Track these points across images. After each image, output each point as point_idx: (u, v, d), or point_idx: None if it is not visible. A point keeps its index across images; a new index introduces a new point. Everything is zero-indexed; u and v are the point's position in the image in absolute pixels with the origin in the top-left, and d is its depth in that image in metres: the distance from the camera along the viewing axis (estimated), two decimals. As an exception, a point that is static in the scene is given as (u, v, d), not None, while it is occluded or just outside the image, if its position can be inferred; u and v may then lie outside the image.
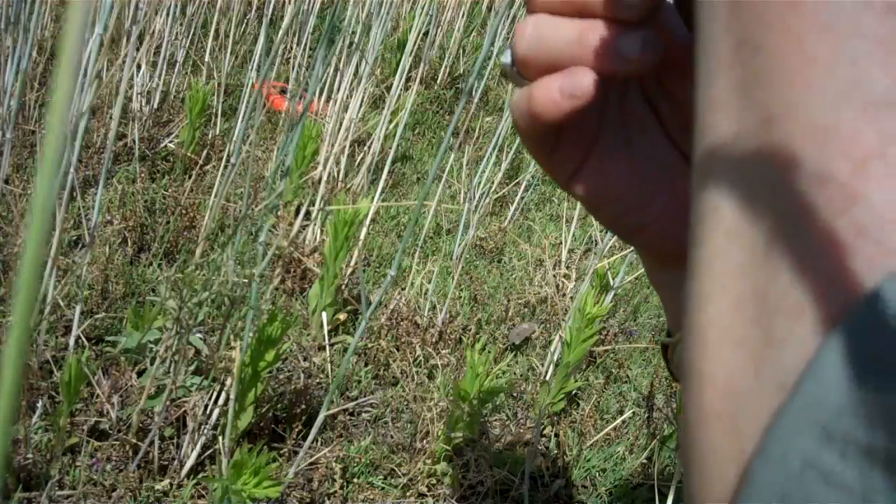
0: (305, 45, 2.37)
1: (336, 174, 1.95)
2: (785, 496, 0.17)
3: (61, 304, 1.27)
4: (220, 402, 1.12)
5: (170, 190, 1.77)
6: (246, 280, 1.00)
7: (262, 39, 1.97)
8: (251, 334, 1.06)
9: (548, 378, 1.50)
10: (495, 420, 1.43)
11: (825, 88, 0.18)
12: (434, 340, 1.55)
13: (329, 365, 1.43)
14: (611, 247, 1.94)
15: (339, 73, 2.08)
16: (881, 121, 0.18)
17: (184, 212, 1.67)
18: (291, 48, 2.52)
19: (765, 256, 0.19)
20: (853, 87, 0.18)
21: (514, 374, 1.58)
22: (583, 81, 0.28)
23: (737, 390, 0.19)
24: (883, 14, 0.18)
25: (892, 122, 0.18)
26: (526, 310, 1.77)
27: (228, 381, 1.08)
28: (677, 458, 1.35)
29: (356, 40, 2.01)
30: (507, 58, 0.31)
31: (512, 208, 2.20)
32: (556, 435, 1.44)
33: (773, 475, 0.17)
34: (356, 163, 2.11)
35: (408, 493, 1.24)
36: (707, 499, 0.20)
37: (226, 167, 1.84)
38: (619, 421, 1.50)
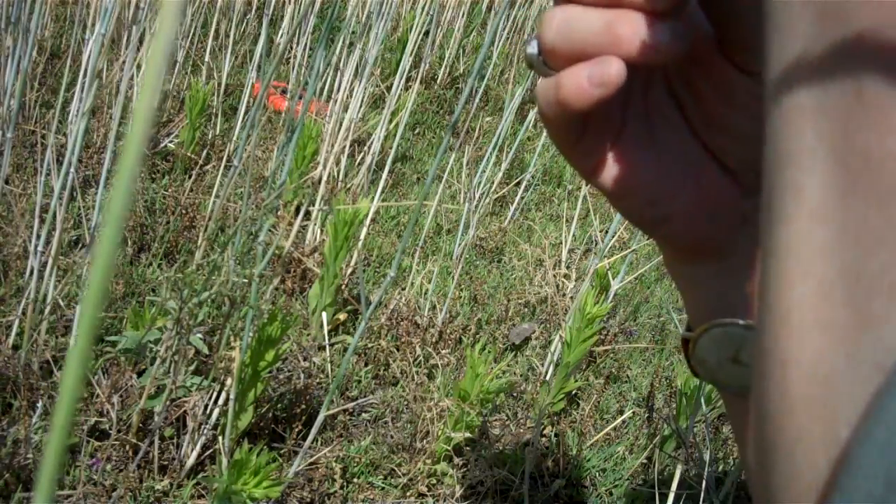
0: (306, 45, 2.37)
1: (336, 174, 1.95)
2: (892, 483, 0.16)
3: (61, 304, 1.27)
4: (220, 402, 1.12)
5: (170, 190, 1.77)
6: (246, 280, 1.00)
7: (262, 39, 1.97)
8: (251, 334, 1.06)
9: (548, 378, 1.50)
10: (495, 420, 1.43)
11: None
12: (434, 340, 1.55)
13: (329, 365, 1.43)
14: (611, 247, 1.95)
15: (339, 73, 2.08)
16: None
17: (184, 212, 1.67)
18: (292, 48, 2.52)
19: (855, 235, 0.18)
20: None
21: (514, 374, 1.58)
22: (611, 70, 0.28)
23: (827, 374, 0.18)
24: None
25: None
26: (526, 310, 1.77)
27: (228, 381, 1.08)
28: (677, 457, 1.35)
29: (356, 40, 2.01)
30: (532, 48, 0.31)
31: (512, 208, 2.20)
32: (556, 435, 1.44)
33: (878, 460, 0.16)
34: (356, 163, 2.10)
35: (408, 493, 1.24)
36: (795, 489, 0.19)
37: (226, 167, 1.84)
38: (619, 421, 1.50)
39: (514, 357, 1.63)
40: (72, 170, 1.09)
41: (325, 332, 1.47)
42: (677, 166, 0.34)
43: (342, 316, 1.52)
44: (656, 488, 1.09)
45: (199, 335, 1.22)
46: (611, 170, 0.33)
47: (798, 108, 0.20)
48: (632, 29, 0.28)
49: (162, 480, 1.10)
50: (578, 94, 0.29)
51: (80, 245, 1.50)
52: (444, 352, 1.52)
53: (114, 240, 0.10)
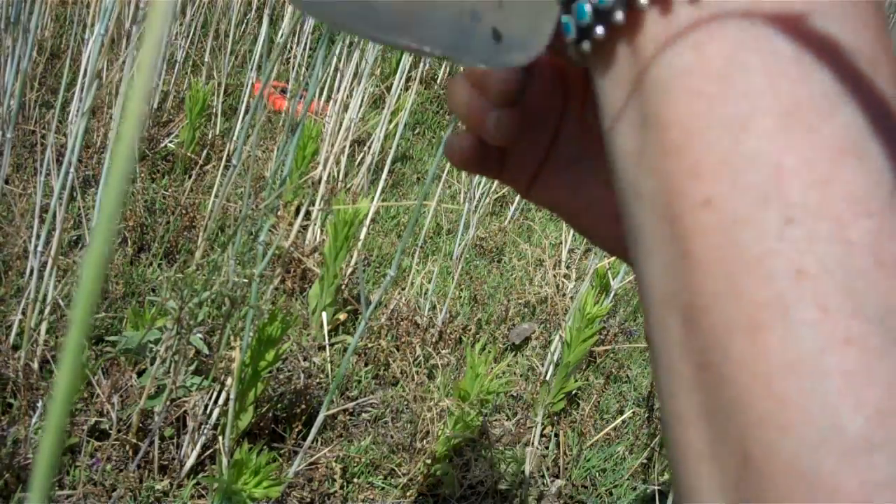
0: (305, 44, 2.37)
1: (336, 174, 1.95)
2: None
3: (61, 304, 1.27)
4: (220, 402, 1.12)
5: (170, 190, 1.77)
6: (246, 280, 1.00)
7: (262, 39, 1.97)
8: (251, 334, 1.06)
9: (548, 378, 1.50)
10: (495, 420, 1.43)
11: (802, 433, 0.17)
12: (434, 340, 1.55)
13: (329, 365, 1.43)
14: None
15: (339, 73, 2.08)
16: (860, 469, 0.17)
17: (184, 212, 1.67)
18: (291, 48, 2.52)
19: None
20: (829, 432, 0.17)
21: (514, 374, 1.58)
22: (464, 144, 0.33)
23: None
24: (843, 344, 0.17)
25: (872, 470, 0.17)
26: (526, 310, 1.77)
27: (228, 381, 1.08)
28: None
29: (356, 40, 2.01)
30: None
31: (512, 208, 2.20)
32: (556, 435, 1.44)
33: None
34: (356, 163, 2.11)
35: (408, 493, 1.24)
36: None
37: (226, 167, 1.84)
38: (619, 421, 1.50)
39: (514, 357, 1.63)
40: (72, 170, 1.09)
41: (325, 332, 1.47)
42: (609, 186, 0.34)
43: (342, 316, 1.52)
44: (656, 487, 1.09)
45: (199, 335, 1.22)
46: (542, 188, 0.35)
47: (694, 451, 0.20)
48: (477, 111, 0.31)
49: (162, 480, 1.10)
50: (455, 158, 0.33)
51: (80, 245, 1.50)
52: (444, 352, 1.52)
53: (107, 236, 0.10)
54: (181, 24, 2.32)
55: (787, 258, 0.18)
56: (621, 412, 1.55)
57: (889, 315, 0.17)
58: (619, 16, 0.20)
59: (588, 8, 0.20)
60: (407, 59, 1.95)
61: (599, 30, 0.20)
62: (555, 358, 1.50)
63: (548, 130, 0.34)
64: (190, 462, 1.11)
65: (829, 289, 0.17)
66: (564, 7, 0.21)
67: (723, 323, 0.18)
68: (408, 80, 2.70)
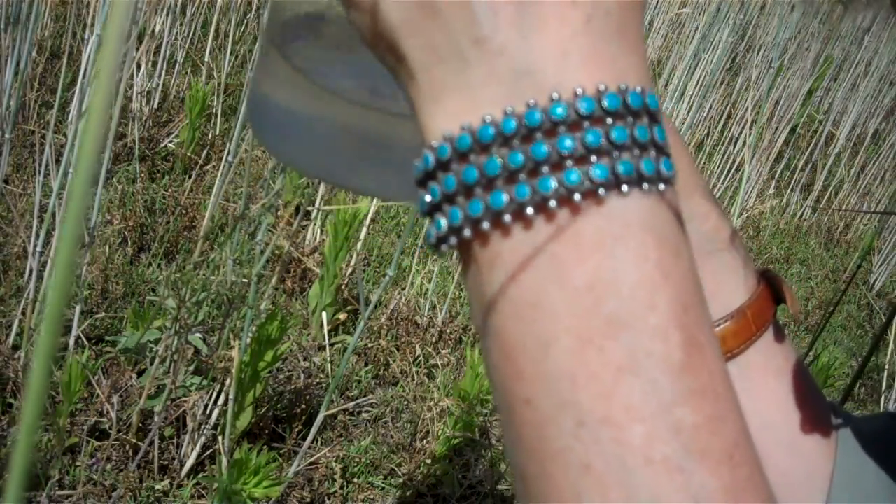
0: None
1: (336, 174, 1.95)
2: None
3: (61, 304, 1.27)
4: (220, 402, 1.12)
5: (170, 190, 1.77)
6: (245, 280, 1.00)
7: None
8: (251, 334, 1.06)
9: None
10: (495, 420, 1.43)
11: None
12: (434, 340, 1.55)
13: (329, 365, 1.43)
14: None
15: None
16: None
17: (184, 212, 1.67)
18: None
19: None
20: None
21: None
22: None
23: None
24: None
25: None
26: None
27: (228, 381, 1.08)
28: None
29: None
30: None
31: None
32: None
33: None
34: (356, 163, 2.10)
35: (408, 493, 1.24)
36: None
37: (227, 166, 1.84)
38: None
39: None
40: (71, 170, 1.09)
41: (325, 332, 1.47)
42: None
43: (342, 316, 1.52)
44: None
45: (199, 335, 1.22)
46: None
47: None
48: None
49: (162, 480, 1.10)
50: None
51: (79, 245, 1.50)
52: (444, 352, 1.52)
53: (74, 230, 0.10)
54: (181, 24, 2.32)
55: (578, 454, 0.22)
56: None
57: (655, 503, 0.21)
58: (453, 241, 0.23)
59: (444, 223, 0.23)
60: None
61: (453, 240, 0.23)
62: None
63: None
64: (190, 462, 1.11)
65: (609, 481, 0.21)
66: (427, 216, 0.24)
67: (540, 497, 0.23)
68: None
